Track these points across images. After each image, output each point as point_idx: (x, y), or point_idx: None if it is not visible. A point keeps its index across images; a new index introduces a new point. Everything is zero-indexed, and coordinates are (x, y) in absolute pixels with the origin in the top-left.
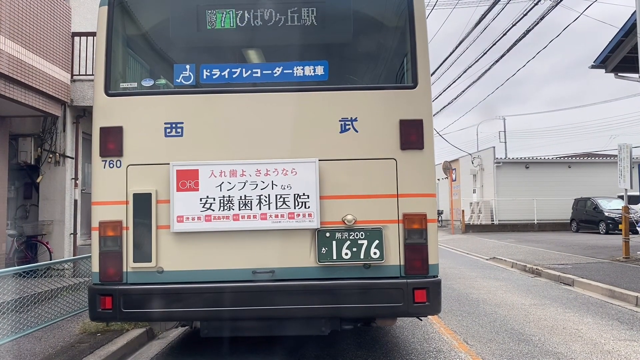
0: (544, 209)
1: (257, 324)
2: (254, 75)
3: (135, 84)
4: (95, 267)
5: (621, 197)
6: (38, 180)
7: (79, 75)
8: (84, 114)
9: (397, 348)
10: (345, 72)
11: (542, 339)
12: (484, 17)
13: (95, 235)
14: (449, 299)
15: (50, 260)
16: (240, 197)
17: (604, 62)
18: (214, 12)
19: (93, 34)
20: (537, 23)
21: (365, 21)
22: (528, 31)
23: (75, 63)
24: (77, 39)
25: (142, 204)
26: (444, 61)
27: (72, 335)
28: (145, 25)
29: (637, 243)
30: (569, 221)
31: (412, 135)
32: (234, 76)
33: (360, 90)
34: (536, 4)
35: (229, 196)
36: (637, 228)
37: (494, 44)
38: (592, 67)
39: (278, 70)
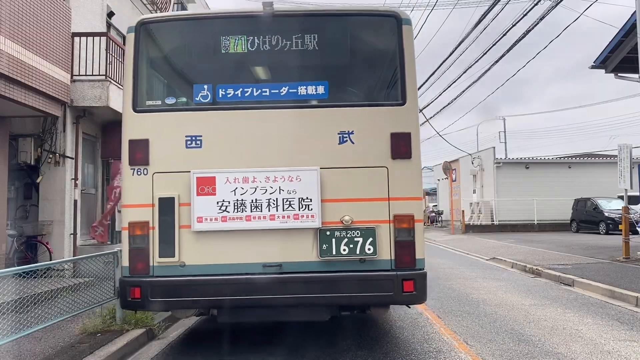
0: (544, 209)
1: (267, 311)
2: (263, 94)
3: (159, 102)
4: (125, 262)
5: (621, 198)
6: (38, 181)
7: (79, 75)
8: (84, 114)
9: (397, 348)
10: (343, 90)
11: (542, 339)
12: (484, 17)
13: (125, 234)
14: (449, 299)
15: (50, 260)
16: (252, 200)
17: (604, 62)
18: (228, 38)
19: (93, 34)
20: (537, 23)
21: (360, 46)
22: (528, 31)
23: (75, 63)
24: (77, 39)
25: (167, 206)
26: (443, 61)
27: (72, 336)
28: (168, 49)
29: (637, 243)
30: (569, 221)
31: (401, 146)
32: (246, 95)
33: (356, 107)
34: (536, 4)
35: (242, 200)
36: (637, 228)
37: (493, 44)
38: (592, 67)
39: (284, 90)
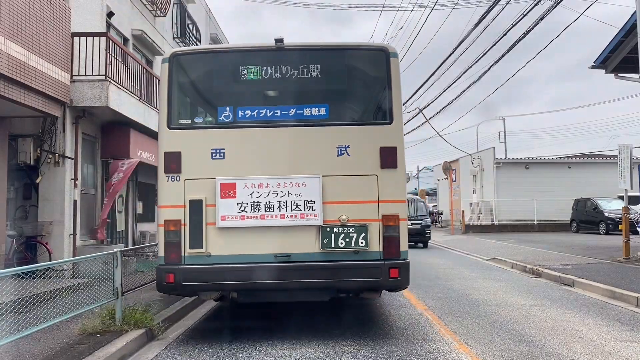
0: (544, 209)
1: (277, 293)
2: (275, 114)
3: (189, 120)
4: (161, 253)
5: (621, 198)
6: (37, 181)
7: (79, 75)
8: (83, 115)
9: (397, 349)
10: (340, 112)
11: (542, 340)
12: (484, 17)
13: (161, 229)
14: (449, 300)
15: (50, 260)
16: (266, 202)
17: (604, 62)
18: (246, 67)
19: (93, 35)
20: (537, 24)
21: (355, 75)
22: (528, 32)
23: (74, 63)
24: (76, 39)
25: (196, 207)
26: (444, 61)
27: (71, 337)
28: (196, 77)
29: (637, 243)
30: (569, 222)
31: (389, 158)
32: (261, 115)
33: (352, 125)
34: (536, 4)
35: (258, 202)
36: (637, 228)
37: (493, 45)
38: (592, 67)
39: (292, 111)
